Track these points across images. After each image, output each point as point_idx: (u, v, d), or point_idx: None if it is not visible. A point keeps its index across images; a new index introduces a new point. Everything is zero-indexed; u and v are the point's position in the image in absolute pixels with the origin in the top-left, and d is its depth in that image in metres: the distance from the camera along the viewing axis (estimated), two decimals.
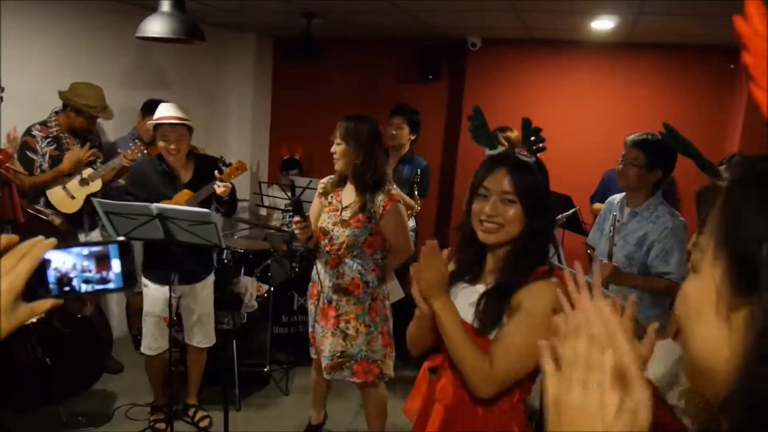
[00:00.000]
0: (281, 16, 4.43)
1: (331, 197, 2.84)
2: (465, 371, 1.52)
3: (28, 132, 3.46)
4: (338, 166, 2.75)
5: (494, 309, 1.55)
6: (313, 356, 3.04)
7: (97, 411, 3.49)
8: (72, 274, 0.95)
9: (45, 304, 0.96)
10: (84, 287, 0.97)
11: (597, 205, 4.23)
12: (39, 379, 3.12)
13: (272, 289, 3.99)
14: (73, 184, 3.49)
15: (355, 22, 4.60)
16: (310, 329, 3.00)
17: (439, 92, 5.35)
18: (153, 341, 3.23)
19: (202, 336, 3.37)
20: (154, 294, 3.17)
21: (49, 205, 3.44)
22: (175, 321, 3.21)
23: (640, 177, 2.66)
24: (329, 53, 4.71)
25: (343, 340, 2.79)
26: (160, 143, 3.07)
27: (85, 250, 0.96)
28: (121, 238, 1.07)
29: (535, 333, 1.45)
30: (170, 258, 2.99)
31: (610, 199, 3.00)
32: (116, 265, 0.98)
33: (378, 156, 2.75)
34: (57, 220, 3.22)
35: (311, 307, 2.97)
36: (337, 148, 2.73)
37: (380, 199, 2.72)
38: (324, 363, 2.86)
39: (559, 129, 4.90)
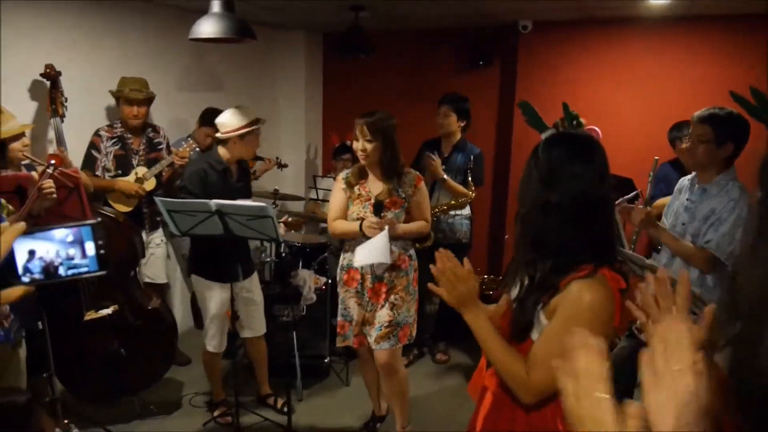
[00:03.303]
0: (329, 11, 4.46)
1: (358, 189, 3.01)
2: (504, 379, 1.50)
3: (96, 132, 3.68)
4: (368, 161, 2.95)
5: (522, 318, 1.50)
6: (342, 344, 3.15)
7: (166, 400, 3.65)
8: (57, 262, 0.99)
9: (16, 291, 0.97)
10: (71, 272, 0.99)
11: (661, 201, 4.02)
12: (115, 371, 3.29)
13: (330, 281, 4.04)
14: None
15: (403, 13, 4.58)
16: (340, 318, 3.10)
17: (491, 78, 5.27)
18: (222, 339, 3.36)
19: (261, 325, 3.47)
20: (220, 295, 3.25)
21: (106, 203, 3.62)
22: (237, 315, 3.30)
23: (709, 153, 2.53)
24: (378, 46, 4.71)
25: (390, 311, 3.00)
26: (249, 148, 3.24)
27: (69, 236, 0.97)
28: (95, 220, 1.08)
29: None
30: (230, 255, 3.10)
31: (681, 179, 2.88)
32: (90, 247, 0.99)
33: (397, 145, 2.96)
34: (121, 217, 3.39)
35: (343, 295, 3.09)
36: (368, 145, 2.90)
37: (410, 179, 3.01)
38: (374, 335, 3.02)
39: (616, 110, 4.74)
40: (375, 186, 3.00)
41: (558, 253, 1.46)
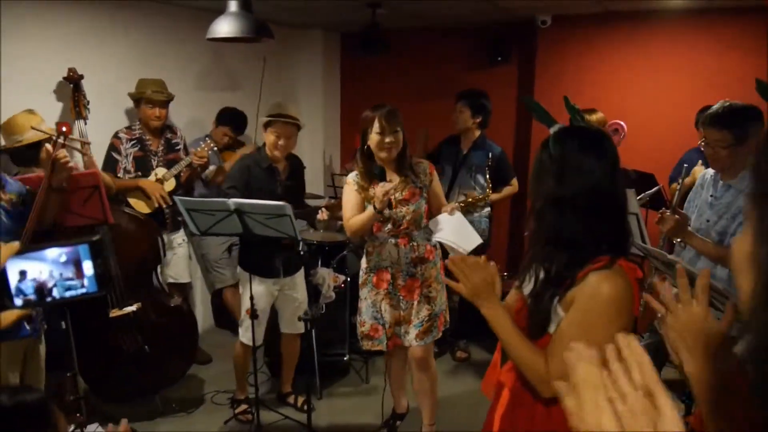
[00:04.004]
0: (346, 9, 4.46)
1: (373, 190, 2.88)
2: (524, 373, 1.49)
3: (115, 135, 3.71)
4: (393, 154, 2.87)
5: (539, 313, 1.48)
6: (375, 348, 3.06)
7: (188, 398, 3.69)
8: (50, 283, 0.94)
9: (11, 316, 0.94)
10: (68, 294, 0.95)
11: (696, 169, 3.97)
12: (138, 369, 3.33)
13: (349, 279, 4.04)
14: None
15: (420, 10, 4.56)
16: (372, 321, 3.02)
17: (509, 74, 5.23)
18: (257, 334, 3.35)
19: (301, 324, 3.45)
20: (258, 288, 3.26)
21: (127, 205, 3.66)
22: (257, 314, 3.31)
23: (732, 155, 2.47)
24: (396, 44, 4.70)
25: (428, 304, 2.98)
26: (270, 137, 3.20)
27: (63, 256, 0.93)
28: (91, 238, 1.03)
29: (591, 331, 1.36)
30: (274, 253, 3.13)
31: (702, 173, 2.82)
32: (88, 267, 0.94)
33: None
34: (143, 217, 3.43)
35: (373, 298, 3.00)
36: (396, 137, 2.85)
37: (423, 168, 2.98)
38: (413, 332, 2.99)
39: (637, 104, 4.67)
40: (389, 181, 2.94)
41: (573, 247, 1.45)
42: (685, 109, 4.18)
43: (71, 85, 3.43)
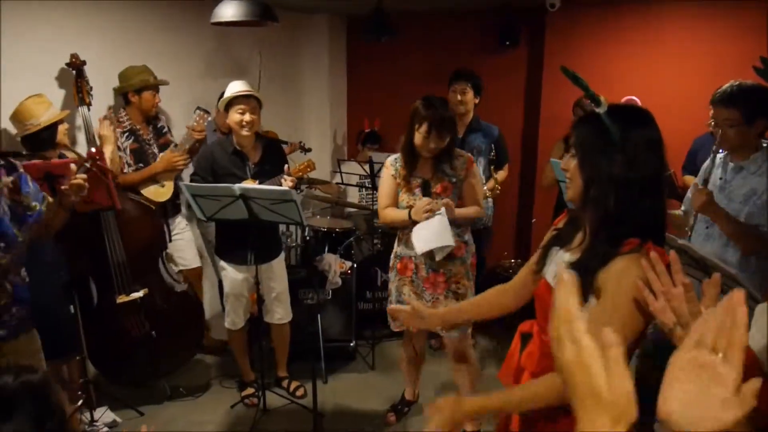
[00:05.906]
0: None
1: (409, 177, 2.90)
2: (554, 404, 1.45)
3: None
4: (435, 153, 2.84)
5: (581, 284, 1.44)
6: (400, 329, 3.09)
7: (195, 383, 3.71)
8: None
9: None
10: None
11: (688, 177, 3.90)
12: (146, 353, 3.36)
13: (355, 265, 4.04)
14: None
15: None
16: (392, 305, 3.00)
17: (518, 59, 5.17)
18: (236, 317, 3.43)
19: (282, 312, 3.49)
20: (232, 276, 3.32)
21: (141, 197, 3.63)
22: (262, 298, 3.33)
23: (742, 135, 2.42)
24: (402, 28, 4.64)
25: (455, 300, 2.93)
26: (235, 116, 3.12)
27: None
28: None
29: (619, 318, 1.34)
30: (246, 240, 3.10)
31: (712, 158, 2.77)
32: None
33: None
34: (152, 204, 3.44)
35: (397, 283, 3.02)
36: (444, 142, 2.81)
37: (461, 162, 2.89)
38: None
39: (648, 91, 4.61)
40: (424, 171, 2.90)
41: (625, 227, 1.40)
42: (695, 94, 4.12)
43: (74, 72, 3.41)
